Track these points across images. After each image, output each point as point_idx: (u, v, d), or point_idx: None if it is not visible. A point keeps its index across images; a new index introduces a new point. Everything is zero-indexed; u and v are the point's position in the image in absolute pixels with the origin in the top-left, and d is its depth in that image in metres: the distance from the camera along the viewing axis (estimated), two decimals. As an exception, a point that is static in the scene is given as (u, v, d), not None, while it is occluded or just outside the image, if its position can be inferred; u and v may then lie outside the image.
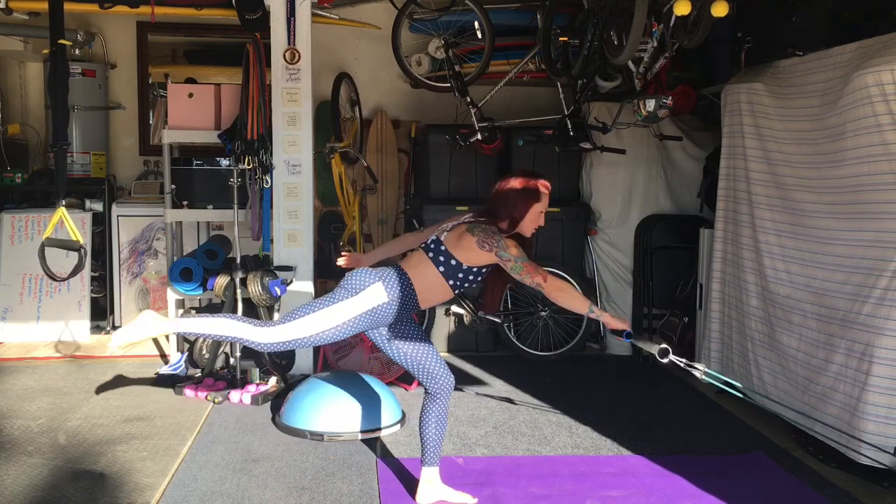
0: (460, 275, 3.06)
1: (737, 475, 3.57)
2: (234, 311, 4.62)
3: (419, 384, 4.54)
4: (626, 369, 5.39)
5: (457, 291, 3.12)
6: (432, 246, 3.10)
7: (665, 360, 2.93)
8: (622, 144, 5.40)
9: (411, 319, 3.24)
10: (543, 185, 3.16)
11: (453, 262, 3.04)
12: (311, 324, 2.99)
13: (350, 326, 3.02)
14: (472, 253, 3.02)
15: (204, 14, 5.27)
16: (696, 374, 2.99)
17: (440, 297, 3.14)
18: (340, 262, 3.46)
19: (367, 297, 3.01)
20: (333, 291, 3.08)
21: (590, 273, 5.79)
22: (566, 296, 3.00)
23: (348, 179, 5.84)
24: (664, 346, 2.92)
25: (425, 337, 3.23)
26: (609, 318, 2.99)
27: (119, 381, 4.70)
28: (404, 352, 3.15)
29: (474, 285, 3.14)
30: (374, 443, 3.81)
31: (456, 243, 3.04)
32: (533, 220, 3.14)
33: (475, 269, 3.07)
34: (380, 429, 3.91)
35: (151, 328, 3.02)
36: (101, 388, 4.54)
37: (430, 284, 3.07)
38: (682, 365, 2.97)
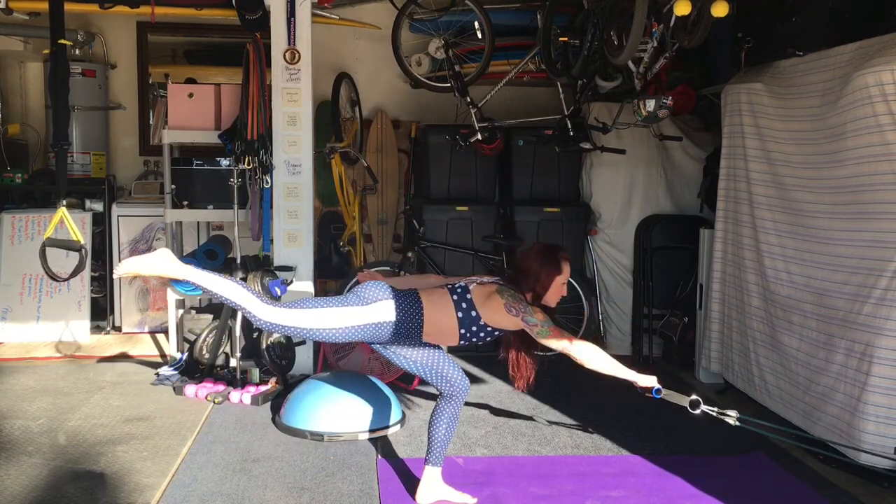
0: (474, 328, 3.10)
1: (737, 475, 3.57)
2: (235, 311, 4.61)
3: (420, 383, 4.55)
4: (626, 369, 5.38)
5: (462, 342, 3.15)
6: (458, 290, 3.14)
7: (697, 412, 2.99)
8: (622, 144, 5.40)
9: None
10: (564, 258, 3.21)
11: (474, 313, 3.09)
12: (314, 317, 3.01)
13: (349, 332, 3.04)
14: (498, 314, 3.07)
15: (204, 14, 5.27)
16: (730, 421, 3.04)
17: (445, 339, 3.16)
18: (361, 276, 3.45)
19: (375, 311, 3.04)
20: (346, 294, 3.10)
21: (590, 273, 5.79)
22: (594, 358, 3.06)
23: (348, 179, 5.84)
24: (695, 397, 2.99)
25: (436, 346, 3.23)
26: (638, 376, 3.05)
27: (119, 381, 4.71)
28: (414, 360, 3.16)
29: (480, 343, 3.19)
30: (374, 443, 3.81)
31: (483, 300, 3.09)
32: (556, 293, 3.21)
33: (490, 329, 3.12)
34: (380, 429, 3.91)
35: (161, 266, 2.93)
36: (101, 388, 4.54)
37: (442, 324, 3.10)
38: (714, 414, 3.03)
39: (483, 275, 3.27)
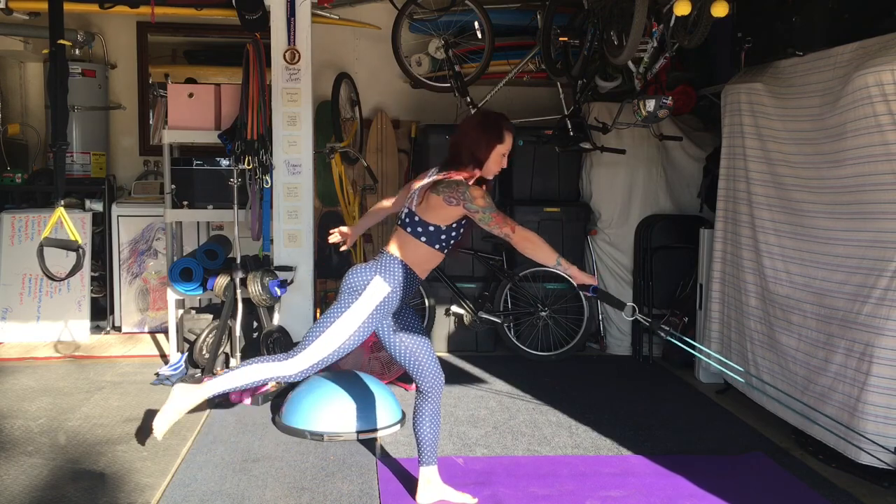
0: (443, 236, 3.07)
1: (737, 475, 3.57)
2: (234, 311, 4.61)
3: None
4: (626, 369, 5.39)
5: (445, 252, 3.12)
6: (407, 220, 3.10)
7: (631, 318, 3.01)
8: (622, 144, 5.40)
9: (413, 312, 3.25)
10: (507, 128, 3.15)
11: (431, 227, 3.05)
12: (330, 340, 3.02)
13: (366, 328, 3.04)
14: (443, 212, 3.01)
15: (204, 14, 5.27)
16: (662, 334, 3.11)
17: (434, 263, 3.16)
18: (332, 239, 3.51)
19: (372, 294, 3.03)
20: (338, 299, 3.09)
21: (590, 273, 5.79)
22: (534, 247, 2.99)
23: (348, 179, 5.84)
24: (631, 304, 3.01)
25: (424, 333, 3.24)
26: (577, 271, 3.00)
27: (119, 381, 4.71)
28: (403, 344, 3.16)
29: (459, 238, 3.13)
30: (373, 443, 3.81)
31: (427, 210, 3.04)
32: (496, 162, 3.13)
33: (454, 225, 3.07)
34: (380, 429, 3.91)
35: (186, 401, 3.08)
36: (101, 388, 4.54)
37: (421, 256, 3.09)
38: (647, 324, 3.09)
39: (422, 176, 3.18)
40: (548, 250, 3.00)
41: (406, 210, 3.13)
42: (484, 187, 3.09)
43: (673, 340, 3.17)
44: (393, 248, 3.10)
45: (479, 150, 3.08)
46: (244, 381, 3.06)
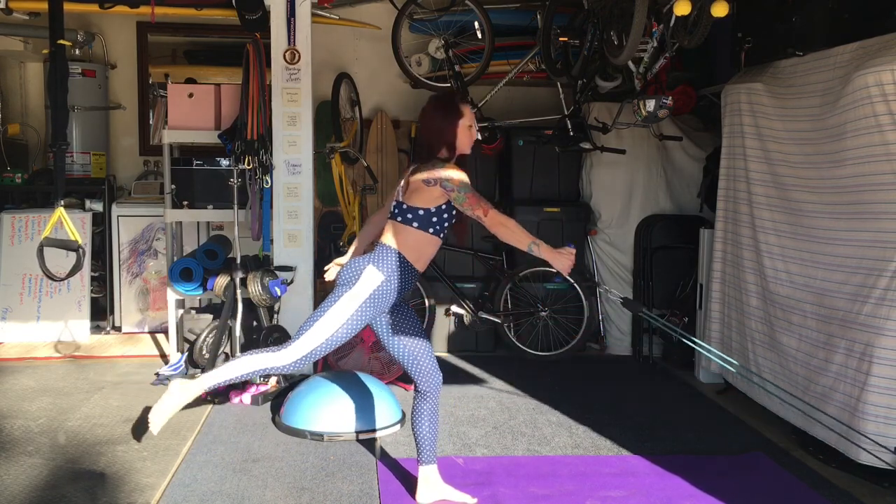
0: (434, 219, 3.04)
1: (737, 475, 3.57)
2: (234, 311, 4.61)
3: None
4: (626, 369, 5.39)
5: (441, 236, 3.10)
6: (396, 210, 3.10)
7: (599, 290, 2.97)
8: (622, 144, 5.40)
9: (412, 312, 3.24)
10: (462, 101, 3.16)
11: (420, 211, 3.03)
12: (322, 329, 3.01)
13: (359, 317, 3.02)
14: (426, 194, 3.01)
15: (204, 14, 5.27)
16: (615, 299, 3.04)
17: (430, 250, 3.12)
18: (328, 276, 3.42)
19: (365, 283, 3.01)
20: (333, 291, 3.08)
21: (590, 273, 5.79)
22: (507, 231, 2.96)
23: (348, 179, 5.84)
24: (597, 281, 2.94)
25: (423, 333, 3.23)
26: (550, 253, 2.93)
27: (119, 381, 4.71)
28: (402, 344, 3.15)
29: (454, 221, 3.11)
30: (373, 443, 3.81)
31: (413, 195, 3.04)
32: (466, 135, 3.13)
33: (444, 207, 3.05)
34: (380, 429, 3.91)
35: (183, 397, 3.10)
36: (101, 388, 4.54)
37: (416, 243, 3.06)
38: (619, 300, 3.06)
39: (404, 172, 3.17)
40: (522, 234, 2.96)
41: (395, 202, 3.13)
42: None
43: (651, 319, 3.09)
44: (387, 239, 3.09)
45: (446, 133, 3.09)
46: (238, 373, 3.04)
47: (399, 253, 3.05)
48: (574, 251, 2.96)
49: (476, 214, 2.96)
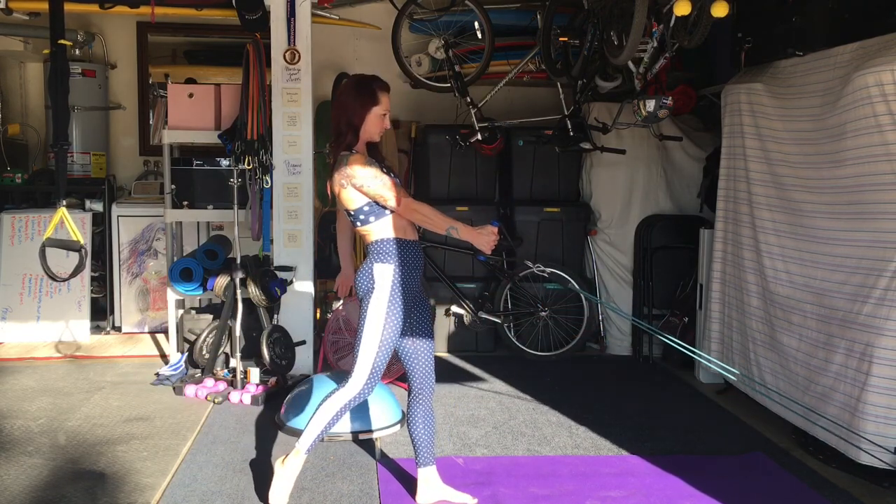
0: (367, 217, 2.98)
1: (737, 475, 3.57)
2: (234, 311, 4.61)
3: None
4: (625, 369, 5.39)
5: (383, 218, 2.99)
6: (351, 217, 3.05)
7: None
8: (622, 144, 5.40)
9: (428, 313, 3.19)
10: (380, 87, 3.06)
11: (365, 209, 2.98)
12: (370, 345, 2.98)
13: (394, 313, 2.97)
14: (349, 196, 2.97)
15: (204, 14, 5.27)
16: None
17: (401, 222, 3.01)
18: (341, 293, 3.47)
19: (381, 281, 2.98)
20: (360, 307, 3.04)
21: (590, 273, 5.79)
22: (422, 217, 2.94)
23: (348, 179, 5.83)
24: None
25: (432, 336, 3.22)
26: (470, 233, 2.90)
27: (119, 381, 4.71)
28: (411, 342, 3.14)
29: (399, 183, 3.03)
30: (373, 443, 3.81)
31: (342, 201, 3.01)
32: (375, 124, 3.05)
33: (368, 205, 2.98)
34: (380, 429, 3.91)
35: (291, 468, 3.05)
36: (101, 388, 4.54)
37: (385, 229, 3.00)
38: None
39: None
40: (439, 219, 2.93)
41: (344, 212, 3.11)
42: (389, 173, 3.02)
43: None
44: (366, 240, 3.05)
45: (354, 115, 3.01)
46: (325, 422, 3.00)
47: (384, 240, 3.01)
48: (496, 229, 2.90)
49: (391, 204, 2.92)
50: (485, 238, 2.89)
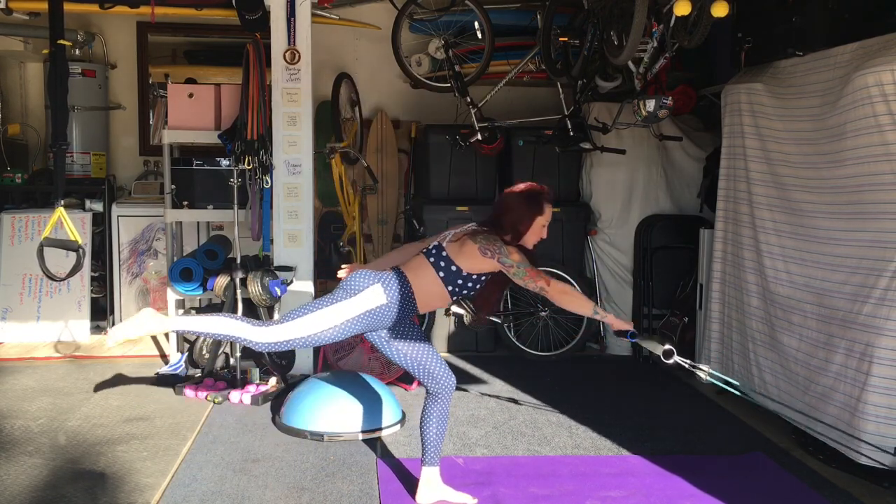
0: (459, 281, 3.07)
1: (737, 475, 3.57)
2: (235, 311, 4.61)
3: (419, 384, 4.55)
4: (626, 369, 5.39)
5: (454, 298, 3.14)
6: (433, 251, 3.11)
7: (670, 361, 2.97)
8: (622, 144, 5.40)
9: (410, 321, 3.24)
10: (547, 199, 3.17)
11: (453, 268, 3.06)
12: (308, 324, 2.99)
13: (348, 327, 3.02)
14: (474, 260, 3.04)
15: (204, 14, 5.27)
16: (701, 375, 3.07)
17: (438, 302, 3.16)
18: (341, 273, 3.40)
19: (366, 299, 3.01)
20: (333, 292, 3.08)
21: (590, 273, 5.79)
22: (570, 299, 3.05)
23: (348, 179, 5.84)
24: (669, 347, 2.95)
25: (424, 337, 3.23)
26: (613, 318, 3.06)
27: (119, 381, 4.71)
28: (404, 353, 3.15)
29: (472, 293, 3.16)
30: (374, 443, 3.81)
31: (458, 251, 3.06)
32: (536, 233, 3.15)
33: (475, 277, 3.09)
34: (380, 429, 3.91)
35: (150, 325, 3.04)
36: (101, 388, 4.54)
37: (429, 289, 3.08)
38: (686, 366, 3.02)
39: (459, 226, 3.19)
40: (583, 300, 3.08)
41: (436, 244, 3.14)
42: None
43: (715, 381, 3.13)
44: (408, 270, 3.09)
45: (521, 223, 3.12)
46: (211, 329, 3.01)
47: (410, 288, 3.05)
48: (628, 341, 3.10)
49: (538, 286, 3.00)
50: (624, 325, 3.06)
